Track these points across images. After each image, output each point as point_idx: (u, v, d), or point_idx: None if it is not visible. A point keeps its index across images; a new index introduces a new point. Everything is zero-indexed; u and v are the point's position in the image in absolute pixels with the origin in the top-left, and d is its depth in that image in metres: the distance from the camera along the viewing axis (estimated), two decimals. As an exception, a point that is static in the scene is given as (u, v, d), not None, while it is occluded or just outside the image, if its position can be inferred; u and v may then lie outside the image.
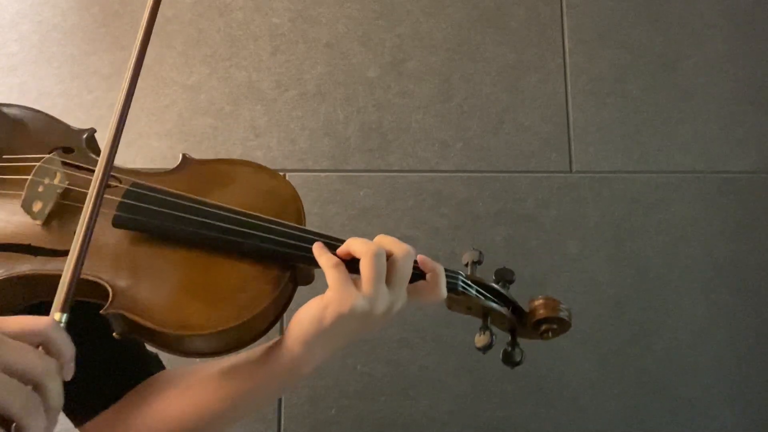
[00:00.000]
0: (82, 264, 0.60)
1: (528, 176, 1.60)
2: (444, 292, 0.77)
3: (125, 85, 0.68)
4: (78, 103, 1.53)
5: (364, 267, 0.71)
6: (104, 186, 0.63)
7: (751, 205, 1.65)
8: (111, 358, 0.86)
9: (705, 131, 1.68)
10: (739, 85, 1.71)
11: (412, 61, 1.63)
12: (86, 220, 0.60)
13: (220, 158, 0.88)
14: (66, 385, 0.85)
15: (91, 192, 0.62)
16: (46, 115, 0.88)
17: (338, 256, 0.74)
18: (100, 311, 0.68)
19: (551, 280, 1.55)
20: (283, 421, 1.45)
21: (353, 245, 0.74)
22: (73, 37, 1.57)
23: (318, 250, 0.74)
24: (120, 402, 0.84)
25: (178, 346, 0.71)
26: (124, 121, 0.68)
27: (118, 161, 0.80)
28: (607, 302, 1.57)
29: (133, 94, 0.68)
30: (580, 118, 1.65)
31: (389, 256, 0.73)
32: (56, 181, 0.74)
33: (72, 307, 0.81)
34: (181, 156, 0.83)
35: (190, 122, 1.55)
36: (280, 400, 1.45)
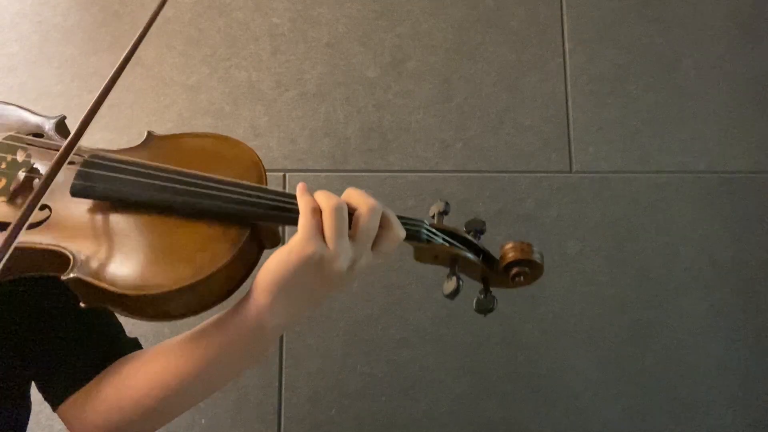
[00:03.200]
0: (33, 211, 0.61)
1: (528, 176, 1.60)
2: (402, 233, 0.77)
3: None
4: (78, 103, 1.53)
5: (325, 221, 0.71)
6: (72, 148, 0.65)
7: (751, 205, 1.65)
8: (86, 339, 0.87)
9: (705, 131, 1.68)
10: (739, 85, 1.71)
11: (412, 61, 1.63)
12: (46, 174, 0.61)
13: (184, 132, 0.90)
14: (43, 367, 0.85)
15: (58, 154, 0.63)
16: (15, 105, 0.89)
17: None
18: (61, 277, 0.69)
19: (551, 280, 1.55)
20: (283, 421, 1.45)
21: (318, 196, 0.73)
22: (73, 37, 1.57)
23: (301, 190, 0.74)
24: (94, 379, 0.84)
25: (142, 309, 0.71)
26: (101, 102, 0.70)
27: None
28: (607, 302, 1.57)
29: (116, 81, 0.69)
30: (580, 118, 1.65)
31: (353, 212, 0.73)
32: (20, 159, 0.76)
33: (45, 286, 0.81)
34: (146, 133, 0.86)
35: (190, 122, 1.55)
36: (280, 400, 1.45)
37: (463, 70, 1.64)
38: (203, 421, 1.43)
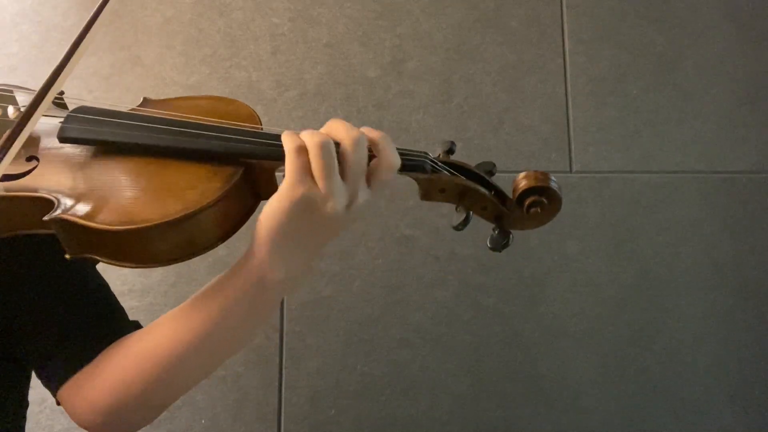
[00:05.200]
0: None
1: (528, 176, 1.60)
2: (396, 159, 0.73)
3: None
4: (77, 103, 1.52)
5: (312, 160, 0.67)
6: (45, 94, 0.67)
7: (751, 205, 1.65)
8: (87, 318, 0.85)
9: (705, 131, 1.68)
10: (739, 85, 1.71)
11: (412, 61, 1.63)
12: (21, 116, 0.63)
13: (181, 96, 0.89)
14: (43, 347, 0.84)
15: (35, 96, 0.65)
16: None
17: None
18: (44, 218, 0.68)
19: (551, 280, 1.55)
20: (283, 421, 1.45)
21: (303, 135, 0.69)
22: (73, 37, 1.56)
23: (286, 132, 0.71)
24: (96, 358, 0.82)
25: (129, 250, 0.69)
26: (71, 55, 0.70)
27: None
28: (607, 302, 1.57)
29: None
30: (580, 118, 1.65)
31: (338, 146, 0.69)
32: (11, 115, 0.77)
33: (44, 262, 0.82)
34: (142, 98, 0.85)
35: (190, 122, 1.55)
36: (280, 400, 1.45)
37: (463, 70, 1.64)
38: (203, 421, 1.43)
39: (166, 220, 0.67)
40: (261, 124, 0.77)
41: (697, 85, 1.69)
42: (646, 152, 1.65)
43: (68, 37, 1.57)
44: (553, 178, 0.77)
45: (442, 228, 1.54)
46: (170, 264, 0.71)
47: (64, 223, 0.68)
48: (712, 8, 1.73)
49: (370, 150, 0.72)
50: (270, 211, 0.69)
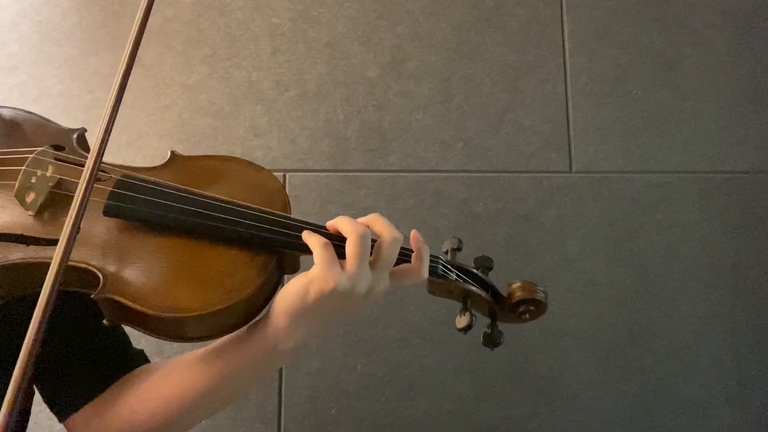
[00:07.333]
0: (72, 245, 0.61)
1: (528, 176, 1.60)
2: (425, 274, 0.79)
3: (118, 77, 0.69)
4: (78, 103, 1.53)
5: (349, 247, 0.73)
6: (96, 170, 0.64)
7: (751, 205, 1.65)
8: (96, 352, 0.87)
9: (705, 131, 1.68)
10: (739, 85, 1.71)
11: (412, 61, 1.63)
12: (77, 203, 0.61)
13: (207, 154, 0.91)
14: (52, 380, 0.85)
15: (84, 176, 0.63)
16: (38, 116, 0.90)
17: (327, 232, 0.77)
18: (92, 296, 0.70)
19: (551, 280, 1.55)
20: (283, 421, 1.45)
21: (341, 223, 0.75)
22: (73, 37, 1.57)
23: (307, 234, 0.76)
24: (104, 393, 0.85)
25: (168, 331, 0.72)
26: (116, 113, 0.69)
27: (114, 159, 0.82)
28: (607, 302, 1.57)
29: (126, 85, 0.69)
30: (580, 118, 1.65)
31: (376, 239, 0.75)
32: (48, 174, 0.77)
33: (61, 299, 0.82)
34: (169, 153, 0.85)
35: (190, 122, 1.55)
36: (279, 400, 1.45)
37: (463, 70, 1.64)
38: (203, 421, 1.43)
39: (209, 310, 0.71)
40: (287, 197, 0.82)
41: (697, 85, 1.69)
42: (646, 152, 1.65)
43: (68, 37, 1.57)
44: (540, 289, 0.86)
45: (441, 228, 1.54)
46: (201, 342, 0.75)
47: (112, 303, 0.70)
48: (712, 8, 1.73)
49: (401, 253, 0.78)
50: (297, 291, 0.73)
